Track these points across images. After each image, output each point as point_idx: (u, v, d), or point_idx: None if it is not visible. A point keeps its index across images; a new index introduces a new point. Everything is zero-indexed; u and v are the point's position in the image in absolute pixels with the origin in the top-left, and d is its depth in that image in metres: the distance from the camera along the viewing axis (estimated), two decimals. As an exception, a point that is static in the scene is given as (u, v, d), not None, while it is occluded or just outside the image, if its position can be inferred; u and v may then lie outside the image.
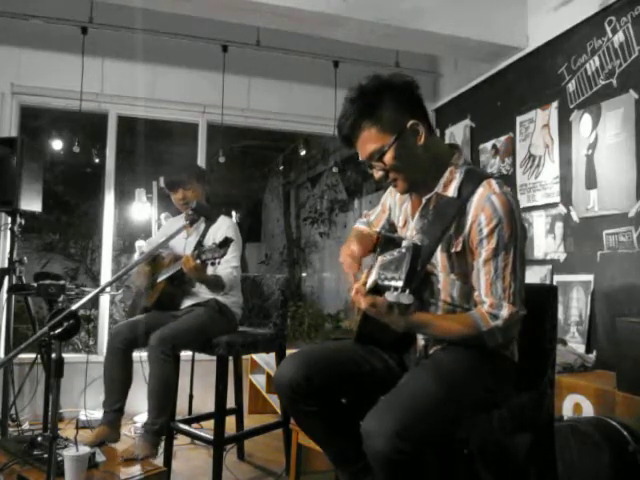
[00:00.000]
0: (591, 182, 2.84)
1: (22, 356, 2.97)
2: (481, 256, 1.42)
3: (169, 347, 2.35)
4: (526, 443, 1.62)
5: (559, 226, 3.05)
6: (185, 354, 2.64)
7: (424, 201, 1.53)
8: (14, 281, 2.98)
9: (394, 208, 1.72)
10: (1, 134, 3.47)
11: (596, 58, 2.81)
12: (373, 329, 1.48)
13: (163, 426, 2.39)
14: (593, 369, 2.60)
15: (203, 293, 2.65)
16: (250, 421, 3.25)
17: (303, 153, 5.31)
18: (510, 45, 3.33)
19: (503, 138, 3.55)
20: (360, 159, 1.52)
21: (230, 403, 2.70)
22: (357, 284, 1.36)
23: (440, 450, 1.40)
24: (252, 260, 9.48)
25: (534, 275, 3.13)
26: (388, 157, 1.45)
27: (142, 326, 2.50)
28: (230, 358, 2.68)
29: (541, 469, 1.62)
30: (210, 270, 2.45)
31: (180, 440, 2.96)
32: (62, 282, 2.71)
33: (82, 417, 3.13)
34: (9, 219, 3.06)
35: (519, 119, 3.38)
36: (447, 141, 4.08)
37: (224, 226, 2.67)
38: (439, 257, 1.48)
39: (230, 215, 2.86)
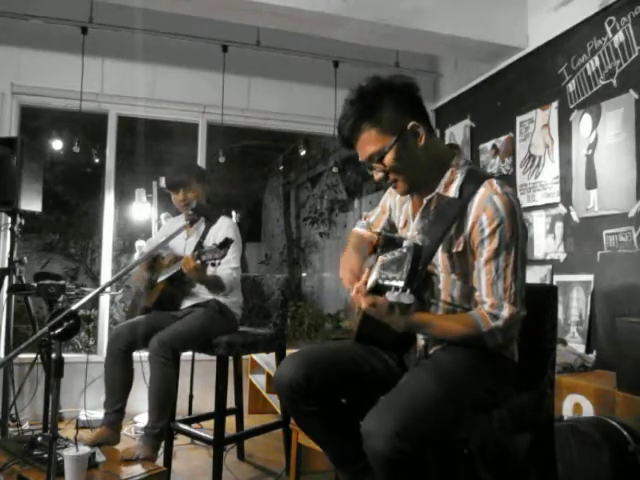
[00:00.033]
0: (591, 182, 2.84)
1: (22, 356, 2.97)
2: (482, 256, 1.42)
3: (169, 351, 2.35)
4: (526, 443, 1.62)
5: (559, 226, 3.05)
6: (185, 354, 2.64)
7: (425, 202, 1.53)
8: (14, 281, 2.98)
9: (394, 209, 1.72)
10: (1, 134, 3.47)
11: (596, 58, 2.81)
12: (373, 329, 1.48)
13: (163, 429, 2.40)
14: (593, 369, 2.60)
15: (203, 293, 2.65)
16: (250, 421, 3.25)
17: (303, 153, 5.31)
18: (510, 45, 3.33)
19: (503, 138, 3.55)
20: (360, 160, 1.53)
21: (230, 403, 2.70)
22: (357, 284, 1.36)
23: (440, 450, 1.40)
24: (252, 260, 9.48)
25: (534, 275, 3.13)
26: (388, 159, 1.45)
27: (142, 327, 2.50)
28: (230, 358, 2.68)
29: (541, 469, 1.62)
30: (210, 271, 2.45)
31: (180, 440, 2.96)
32: (62, 282, 2.70)
33: (82, 417, 3.13)
34: (9, 219, 3.06)
35: (519, 119, 3.38)
36: (447, 141, 4.08)
37: (224, 227, 2.67)
38: (440, 257, 1.48)
39: (230, 215, 2.85)
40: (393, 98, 1.44)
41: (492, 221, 1.39)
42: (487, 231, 1.40)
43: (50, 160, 5.79)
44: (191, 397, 3.38)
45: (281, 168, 9.54)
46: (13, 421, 3.03)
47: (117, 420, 2.47)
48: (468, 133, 3.91)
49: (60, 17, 3.49)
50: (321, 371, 1.48)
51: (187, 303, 2.69)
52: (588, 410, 2.24)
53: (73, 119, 3.84)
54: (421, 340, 1.55)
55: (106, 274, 3.88)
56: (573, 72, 2.96)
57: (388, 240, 1.56)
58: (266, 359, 3.41)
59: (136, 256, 2.87)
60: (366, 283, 1.36)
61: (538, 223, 3.20)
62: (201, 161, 3.99)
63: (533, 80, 3.27)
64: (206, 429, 3.03)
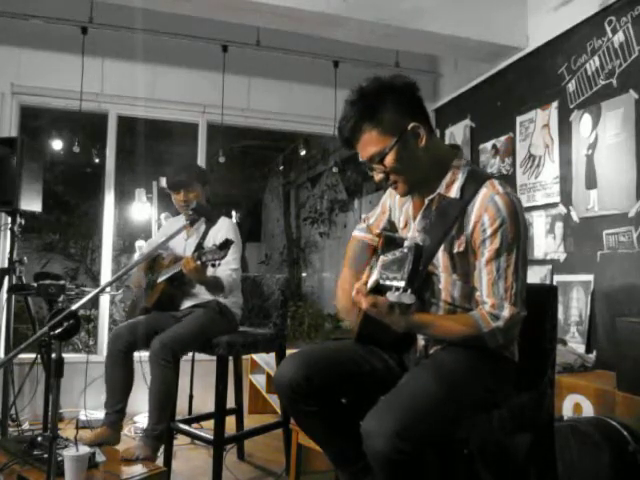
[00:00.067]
0: (591, 182, 2.84)
1: (22, 356, 2.96)
2: (483, 256, 1.42)
3: (170, 354, 2.36)
4: (526, 443, 1.62)
5: (559, 226, 3.05)
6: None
7: (427, 202, 1.53)
8: (14, 281, 2.98)
9: (394, 209, 1.72)
10: (1, 134, 3.47)
11: (596, 58, 2.81)
12: (373, 329, 1.48)
13: (163, 431, 2.40)
14: (593, 369, 2.60)
15: (203, 294, 2.64)
16: (250, 421, 3.25)
17: (303, 153, 5.31)
18: (510, 45, 3.33)
19: (503, 138, 3.55)
20: (361, 160, 1.52)
21: (230, 403, 2.70)
22: (358, 284, 1.36)
23: (440, 450, 1.40)
24: (252, 260, 9.48)
25: (534, 275, 3.13)
26: (389, 159, 1.45)
27: (142, 328, 2.50)
28: (230, 358, 2.68)
29: (541, 469, 1.62)
30: (210, 272, 2.45)
31: (180, 440, 2.96)
32: (62, 282, 2.70)
33: (82, 417, 3.13)
34: (9, 219, 3.06)
35: (519, 119, 3.38)
36: (447, 141, 4.08)
37: (224, 228, 2.67)
38: (441, 257, 1.48)
39: (230, 216, 2.85)
40: (394, 99, 1.44)
41: (494, 221, 1.39)
42: (489, 231, 1.40)
43: (50, 160, 5.79)
44: (191, 397, 3.38)
45: (281, 168, 9.54)
46: (13, 421, 3.03)
47: (118, 420, 2.47)
48: (468, 133, 3.91)
49: (60, 17, 3.49)
50: (321, 371, 1.48)
51: (187, 303, 2.69)
52: (588, 410, 2.24)
53: (73, 119, 3.84)
54: (421, 340, 1.55)
55: (106, 274, 3.88)
56: (573, 72, 2.96)
57: (389, 240, 1.56)
58: (266, 359, 3.41)
59: (136, 256, 2.86)
60: (367, 283, 1.36)
61: (538, 223, 3.20)
62: (201, 161, 3.99)
63: (533, 80, 3.27)
64: (206, 429, 3.03)
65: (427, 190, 1.52)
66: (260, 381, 3.66)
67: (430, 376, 1.39)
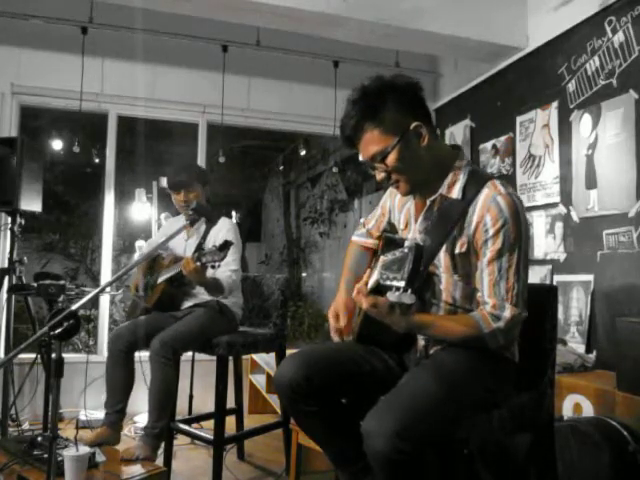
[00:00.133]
0: (591, 182, 2.84)
1: (22, 356, 2.96)
2: (485, 256, 1.42)
3: (170, 352, 2.36)
4: (526, 443, 1.62)
5: (559, 226, 3.05)
6: (185, 354, 2.63)
7: (428, 203, 1.53)
8: (14, 281, 2.98)
9: (394, 210, 1.72)
10: (1, 134, 3.47)
11: (596, 58, 2.81)
12: (374, 329, 1.48)
13: (163, 429, 2.40)
14: (593, 369, 2.60)
15: (203, 294, 2.64)
16: (250, 421, 3.25)
17: (303, 153, 5.30)
18: (510, 45, 3.33)
19: (503, 138, 3.55)
20: (362, 160, 1.52)
21: (230, 403, 2.70)
22: (358, 284, 1.36)
23: (440, 450, 1.40)
24: (252, 260, 9.48)
25: (534, 275, 3.13)
26: (391, 159, 1.44)
27: (143, 328, 2.50)
28: (230, 358, 2.68)
29: (541, 469, 1.62)
30: (210, 273, 2.45)
31: (180, 440, 2.96)
32: (62, 282, 2.70)
33: (82, 417, 3.12)
34: (9, 219, 3.06)
35: (519, 119, 3.38)
36: (447, 141, 4.08)
37: (224, 228, 2.66)
38: (442, 258, 1.48)
39: (230, 216, 2.85)
40: (396, 98, 1.43)
41: (496, 222, 1.39)
42: (491, 231, 1.40)
43: (50, 160, 5.78)
44: (191, 397, 3.38)
45: (281, 168, 9.53)
46: (13, 421, 3.03)
47: (118, 420, 2.47)
48: (468, 133, 3.91)
49: (60, 17, 3.49)
50: (321, 371, 1.48)
51: (187, 303, 2.69)
52: (588, 410, 2.24)
53: (73, 119, 3.84)
54: (421, 340, 1.55)
55: (106, 274, 3.88)
56: (573, 72, 2.96)
57: (389, 240, 1.56)
58: (266, 359, 3.41)
59: (136, 256, 2.86)
60: (367, 283, 1.36)
61: (538, 223, 3.20)
62: (201, 161, 3.99)
63: (533, 80, 3.27)
64: (206, 429, 3.03)
65: (428, 191, 1.52)
66: (260, 381, 3.66)
67: (430, 376, 1.39)
